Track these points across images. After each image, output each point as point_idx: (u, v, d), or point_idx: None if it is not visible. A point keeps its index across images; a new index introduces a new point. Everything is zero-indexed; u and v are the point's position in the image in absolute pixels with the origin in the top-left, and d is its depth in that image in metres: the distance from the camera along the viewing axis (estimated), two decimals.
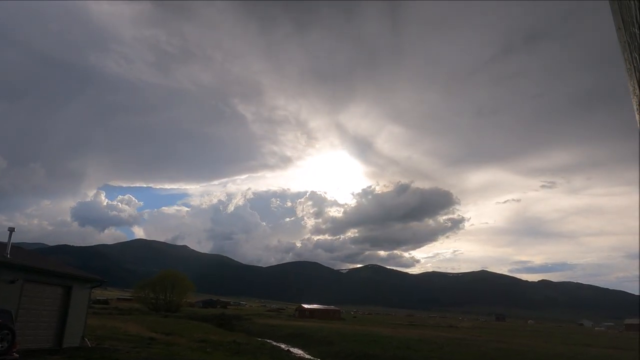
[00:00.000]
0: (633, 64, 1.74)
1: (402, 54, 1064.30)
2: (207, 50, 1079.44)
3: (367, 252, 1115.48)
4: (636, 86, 1.76)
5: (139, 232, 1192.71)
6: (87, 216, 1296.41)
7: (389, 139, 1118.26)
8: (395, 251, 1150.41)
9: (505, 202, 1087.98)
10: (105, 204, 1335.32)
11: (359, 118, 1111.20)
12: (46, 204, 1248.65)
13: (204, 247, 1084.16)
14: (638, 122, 1.77)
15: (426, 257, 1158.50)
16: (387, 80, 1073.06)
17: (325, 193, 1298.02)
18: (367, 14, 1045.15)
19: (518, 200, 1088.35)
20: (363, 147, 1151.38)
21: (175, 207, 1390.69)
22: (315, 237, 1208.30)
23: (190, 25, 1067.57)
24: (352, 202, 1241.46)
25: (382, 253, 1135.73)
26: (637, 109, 1.78)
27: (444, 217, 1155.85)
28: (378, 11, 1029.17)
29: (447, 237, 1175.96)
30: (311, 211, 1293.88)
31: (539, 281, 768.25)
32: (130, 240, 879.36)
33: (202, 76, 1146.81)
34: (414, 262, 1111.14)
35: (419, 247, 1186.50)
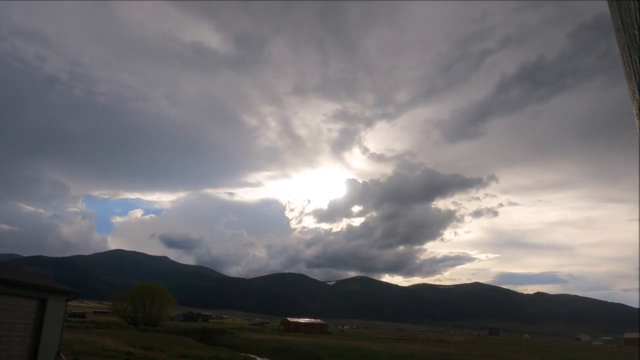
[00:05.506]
0: (632, 66, 1.72)
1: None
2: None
3: (355, 258, 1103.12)
4: (636, 90, 1.74)
5: (117, 243, 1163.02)
6: (64, 226, 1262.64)
7: (374, 143, 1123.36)
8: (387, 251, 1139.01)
9: (498, 210, 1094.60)
10: (83, 214, 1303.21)
11: (344, 119, 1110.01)
12: (20, 213, 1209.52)
13: (184, 258, 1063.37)
14: (638, 127, 1.74)
15: (417, 263, 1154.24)
16: (382, 85, 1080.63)
17: (315, 201, 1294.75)
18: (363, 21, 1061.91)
19: (512, 208, 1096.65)
20: (353, 151, 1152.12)
21: (155, 217, 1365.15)
22: (302, 247, 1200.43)
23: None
24: (342, 204, 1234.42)
25: (371, 254, 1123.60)
26: (636, 114, 1.75)
27: (431, 224, 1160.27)
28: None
29: (435, 244, 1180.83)
30: (299, 221, 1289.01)
31: (534, 294, 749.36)
32: (108, 251, 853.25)
33: (200, 81, 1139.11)
34: (405, 268, 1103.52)
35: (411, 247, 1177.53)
